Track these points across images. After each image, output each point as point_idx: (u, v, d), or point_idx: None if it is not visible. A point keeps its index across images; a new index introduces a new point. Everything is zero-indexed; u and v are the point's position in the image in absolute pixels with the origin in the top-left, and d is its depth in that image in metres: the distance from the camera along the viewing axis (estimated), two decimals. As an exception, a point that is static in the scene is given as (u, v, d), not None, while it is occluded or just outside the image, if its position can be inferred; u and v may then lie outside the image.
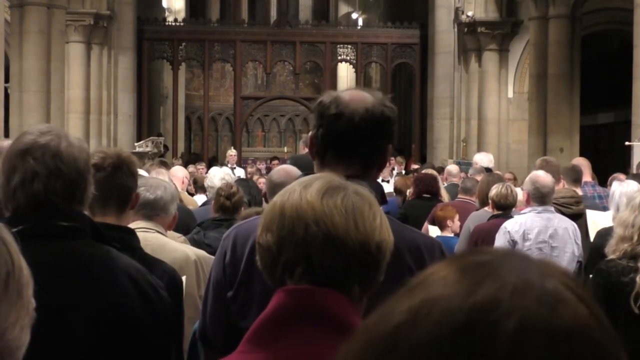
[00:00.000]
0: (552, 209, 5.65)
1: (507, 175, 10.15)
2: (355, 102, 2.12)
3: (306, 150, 16.51)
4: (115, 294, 1.98)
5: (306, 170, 2.30)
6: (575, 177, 6.77)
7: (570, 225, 5.62)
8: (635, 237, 3.43)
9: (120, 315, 1.96)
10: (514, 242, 5.57)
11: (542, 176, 5.68)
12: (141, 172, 5.67)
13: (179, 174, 7.84)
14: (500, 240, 5.63)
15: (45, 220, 1.97)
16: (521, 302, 0.69)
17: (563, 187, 6.48)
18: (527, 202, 5.71)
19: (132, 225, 3.36)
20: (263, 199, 5.02)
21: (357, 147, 2.12)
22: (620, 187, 5.47)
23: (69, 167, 1.99)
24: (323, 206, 1.50)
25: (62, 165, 1.99)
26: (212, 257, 2.38)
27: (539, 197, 5.58)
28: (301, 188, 1.54)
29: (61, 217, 1.99)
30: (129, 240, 2.58)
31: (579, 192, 6.65)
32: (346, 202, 1.51)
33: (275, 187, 4.25)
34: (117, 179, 2.65)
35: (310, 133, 2.22)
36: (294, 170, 4.61)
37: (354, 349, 0.74)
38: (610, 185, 7.44)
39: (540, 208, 5.57)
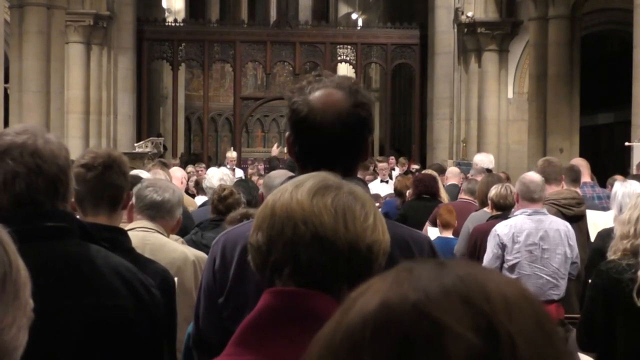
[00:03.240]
0: (544, 210, 5.64)
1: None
2: (329, 112, 2.05)
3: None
4: (106, 294, 1.96)
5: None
6: (573, 177, 6.75)
7: (563, 227, 5.60)
8: (632, 231, 3.44)
9: (111, 316, 1.95)
10: (503, 245, 5.57)
11: (533, 176, 5.69)
12: (143, 173, 5.68)
13: (177, 175, 7.84)
14: (490, 244, 5.63)
15: (31, 222, 1.95)
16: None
17: (563, 188, 6.47)
18: (517, 202, 5.71)
19: (134, 224, 3.36)
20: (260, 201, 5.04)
21: (335, 159, 2.08)
22: (623, 188, 5.47)
23: (48, 164, 1.97)
24: (312, 206, 1.48)
25: (42, 163, 1.97)
26: (211, 257, 2.39)
27: (529, 197, 5.58)
28: (293, 187, 1.52)
29: (48, 218, 1.97)
30: (121, 240, 2.57)
31: (578, 192, 6.64)
32: (337, 202, 1.49)
33: (271, 189, 4.29)
34: (108, 178, 2.64)
35: (287, 134, 2.16)
36: (289, 174, 4.65)
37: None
38: (610, 186, 7.44)
39: (530, 210, 5.56)
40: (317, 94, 2.07)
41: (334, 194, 1.50)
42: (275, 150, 14.59)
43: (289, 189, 1.53)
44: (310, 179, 1.54)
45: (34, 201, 1.96)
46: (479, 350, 0.73)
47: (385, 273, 0.81)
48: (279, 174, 4.62)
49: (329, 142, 2.06)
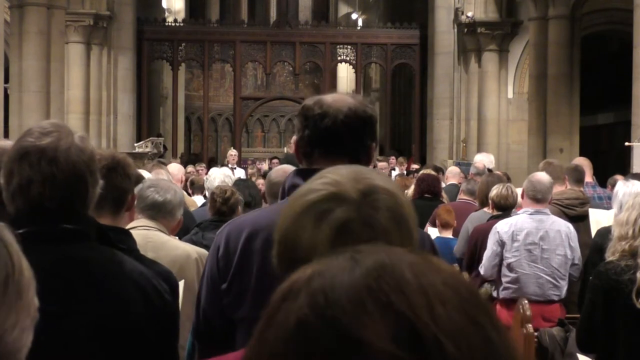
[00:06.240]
0: (547, 210, 5.65)
1: (498, 175, 10.10)
2: (338, 103, 2.18)
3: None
4: (116, 300, 1.95)
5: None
6: (577, 177, 6.76)
7: (564, 228, 5.61)
8: (630, 233, 3.44)
9: (120, 323, 1.93)
10: (502, 243, 5.58)
11: (541, 177, 5.71)
12: (145, 173, 5.68)
13: (174, 171, 7.82)
14: (490, 241, 5.65)
15: (45, 224, 1.94)
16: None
17: (567, 189, 6.47)
18: (522, 199, 5.73)
19: (135, 223, 3.37)
20: (262, 199, 5.00)
21: (343, 144, 2.16)
22: (625, 187, 5.47)
23: (65, 174, 1.96)
24: None
25: (58, 172, 1.95)
26: (212, 255, 2.41)
27: (533, 197, 5.59)
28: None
29: (63, 220, 1.96)
30: (125, 241, 2.57)
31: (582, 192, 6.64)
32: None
33: (273, 186, 4.25)
34: (112, 181, 2.62)
35: (294, 138, 2.28)
36: (292, 170, 4.58)
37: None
38: (610, 186, 7.44)
39: (532, 209, 5.58)
40: (327, 95, 2.24)
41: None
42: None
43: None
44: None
45: (46, 208, 1.96)
46: None
47: (301, 274, 0.73)
48: (278, 174, 4.52)
49: (338, 124, 2.15)
